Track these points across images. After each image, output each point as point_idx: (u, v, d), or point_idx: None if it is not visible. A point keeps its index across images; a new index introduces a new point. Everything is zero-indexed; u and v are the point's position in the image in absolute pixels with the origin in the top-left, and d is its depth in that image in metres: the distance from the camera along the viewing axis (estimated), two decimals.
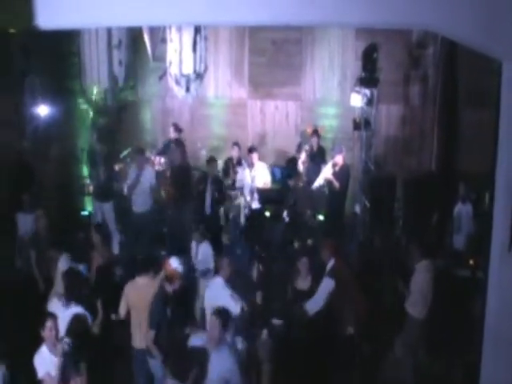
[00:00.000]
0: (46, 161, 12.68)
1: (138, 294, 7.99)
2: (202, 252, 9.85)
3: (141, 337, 7.87)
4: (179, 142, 12.83)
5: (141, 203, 11.89)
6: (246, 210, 12.43)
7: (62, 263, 9.02)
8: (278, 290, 8.98)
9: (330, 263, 8.75)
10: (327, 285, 8.55)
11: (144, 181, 11.75)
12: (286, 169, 12.77)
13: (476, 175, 10.41)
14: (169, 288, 7.74)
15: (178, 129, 12.99)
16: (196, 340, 7.20)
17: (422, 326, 8.47)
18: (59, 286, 8.59)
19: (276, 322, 8.50)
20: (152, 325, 7.59)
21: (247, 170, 12.40)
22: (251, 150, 12.49)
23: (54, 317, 7.23)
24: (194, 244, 10.06)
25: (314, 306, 8.53)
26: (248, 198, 12.40)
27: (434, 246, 9.93)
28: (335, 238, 9.88)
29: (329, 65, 13.49)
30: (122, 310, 8.13)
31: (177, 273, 7.87)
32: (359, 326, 8.54)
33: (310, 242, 11.43)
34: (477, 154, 10.89)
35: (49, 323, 7.09)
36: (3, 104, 12.18)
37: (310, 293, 8.66)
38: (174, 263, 7.93)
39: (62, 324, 7.32)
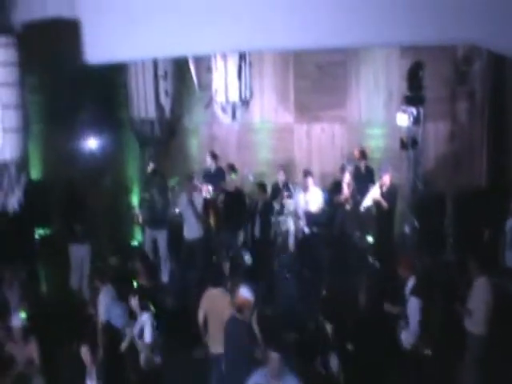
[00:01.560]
0: (97, 192, 12.89)
1: (213, 303, 8.44)
2: None
3: (216, 343, 8.20)
4: (219, 169, 12.96)
5: (191, 230, 12.00)
6: (299, 235, 12.42)
7: (104, 294, 9.14)
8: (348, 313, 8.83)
9: (411, 281, 8.53)
10: (415, 305, 8.29)
11: (194, 208, 11.87)
12: (331, 192, 12.72)
13: None
14: (240, 317, 7.77)
15: (214, 155, 13.13)
16: (257, 377, 7.11)
17: (484, 343, 8.27)
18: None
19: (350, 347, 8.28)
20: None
21: (302, 194, 12.39)
22: (306, 174, 12.46)
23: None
24: None
25: (411, 334, 8.31)
26: (301, 223, 12.39)
27: (490, 262, 9.73)
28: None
29: (374, 85, 13.42)
30: (200, 318, 8.56)
31: (248, 302, 7.87)
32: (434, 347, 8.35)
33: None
34: None
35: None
36: (56, 137, 12.49)
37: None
38: (246, 293, 7.93)
39: None
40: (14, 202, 6.96)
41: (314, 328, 8.72)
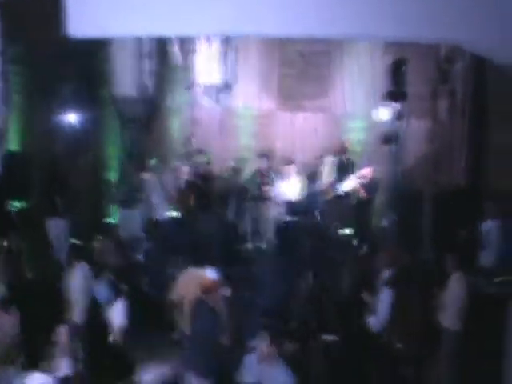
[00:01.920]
0: (77, 167, 12.84)
1: (188, 283, 8.31)
2: None
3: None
4: (204, 153, 13.01)
5: (161, 211, 12.03)
6: (278, 222, 12.48)
7: (79, 272, 9.15)
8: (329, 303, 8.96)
9: (387, 273, 8.65)
10: (387, 297, 8.41)
11: (164, 188, 11.88)
12: (312, 181, 12.76)
13: (505, 192, 10.37)
14: (207, 300, 7.75)
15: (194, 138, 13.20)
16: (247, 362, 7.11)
17: (458, 338, 8.43)
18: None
19: (328, 337, 8.40)
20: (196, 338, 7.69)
21: (283, 182, 12.43)
22: (288, 163, 12.51)
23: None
24: None
25: (377, 321, 8.41)
26: (281, 210, 12.43)
27: (465, 260, 9.85)
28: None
29: (358, 78, 13.47)
30: (175, 297, 8.46)
31: (214, 284, 7.86)
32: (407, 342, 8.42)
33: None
34: (506, 170, 10.88)
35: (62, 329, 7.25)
36: (37, 111, 12.39)
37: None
38: (212, 275, 7.92)
39: None
40: None
41: (294, 315, 8.77)
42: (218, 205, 12.26)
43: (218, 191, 12.56)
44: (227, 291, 8.45)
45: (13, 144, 12.71)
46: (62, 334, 7.29)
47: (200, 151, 12.83)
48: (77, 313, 9.00)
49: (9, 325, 8.26)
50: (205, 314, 7.70)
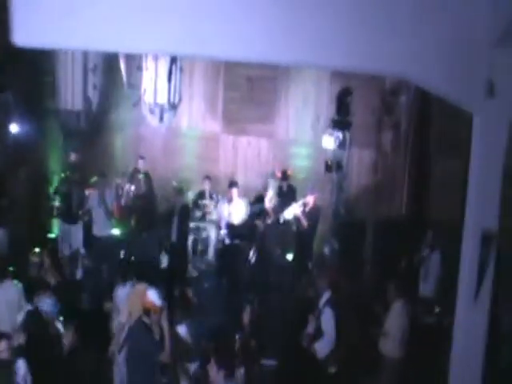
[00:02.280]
0: (17, 179, 12.58)
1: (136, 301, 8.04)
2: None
3: None
4: (146, 174, 12.84)
5: (101, 227, 11.87)
6: (219, 245, 12.51)
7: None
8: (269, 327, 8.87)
9: (327, 294, 8.59)
10: (329, 316, 8.33)
11: (105, 205, 11.74)
12: (254, 205, 12.74)
13: (445, 223, 10.51)
14: (147, 320, 7.60)
15: (142, 157, 13.03)
16: None
17: (397, 365, 8.51)
18: None
19: (268, 362, 8.29)
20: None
21: (225, 205, 12.36)
22: (232, 185, 12.49)
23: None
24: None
25: (325, 345, 8.30)
26: (222, 232, 12.43)
27: (406, 288, 9.95)
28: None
29: (303, 105, 13.51)
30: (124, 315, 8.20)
31: (155, 306, 7.70)
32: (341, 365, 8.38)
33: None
34: (447, 201, 11.06)
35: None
36: None
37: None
38: (153, 296, 7.77)
39: None
40: None
41: (235, 340, 8.66)
42: (159, 224, 12.13)
43: (160, 211, 12.45)
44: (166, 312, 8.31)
45: None
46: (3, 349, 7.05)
47: (142, 170, 12.69)
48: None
49: None
50: (142, 333, 7.55)
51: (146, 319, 7.60)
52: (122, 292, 8.95)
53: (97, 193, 11.93)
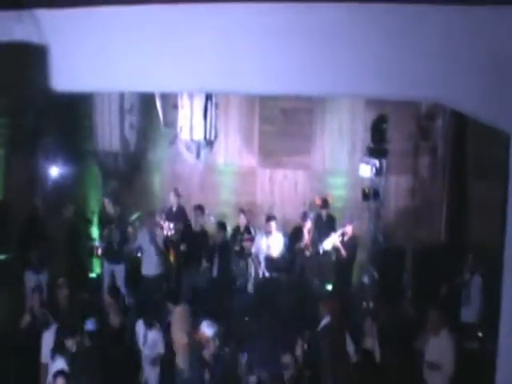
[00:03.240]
0: (58, 221, 12.77)
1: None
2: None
3: None
4: (180, 208, 12.92)
5: (150, 267, 11.90)
6: (259, 278, 12.43)
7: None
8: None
9: (325, 320, 8.93)
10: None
11: (156, 244, 11.80)
12: (292, 237, 12.74)
13: (485, 247, 10.41)
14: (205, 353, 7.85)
15: (177, 194, 13.11)
16: None
17: None
18: None
19: None
20: None
21: (264, 238, 12.38)
22: (269, 219, 12.47)
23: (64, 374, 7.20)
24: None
25: None
26: (261, 267, 12.39)
27: (450, 316, 9.83)
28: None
29: (338, 135, 13.55)
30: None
31: (207, 339, 7.81)
32: None
33: None
34: (486, 226, 10.95)
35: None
36: (18, 163, 12.36)
37: None
38: (206, 329, 7.86)
39: None
40: None
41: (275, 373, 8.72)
42: (200, 260, 12.16)
43: (200, 247, 12.48)
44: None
45: None
46: None
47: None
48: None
49: None
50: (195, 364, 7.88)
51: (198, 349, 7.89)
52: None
53: (146, 231, 11.99)
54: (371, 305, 11.79)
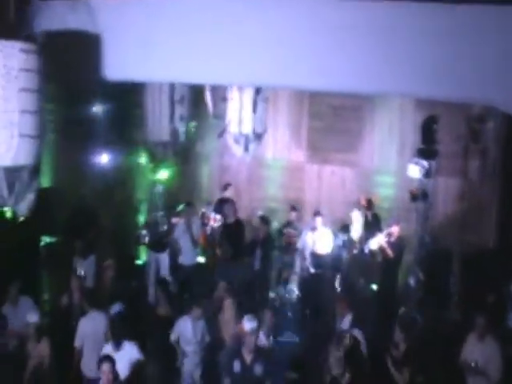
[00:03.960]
0: (106, 207, 12.97)
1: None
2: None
3: None
4: (230, 201, 13.00)
5: (187, 256, 12.05)
6: (304, 274, 12.42)
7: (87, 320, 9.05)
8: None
9: (348, 317, 9.18)
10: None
11: (191, 234, 11.92)
12: (339, 235, 12.69)
13: None
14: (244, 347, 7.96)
15: (226, 187, 13.20)
16: None
17: None
18: None
19: None
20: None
21: (310, 234, 12.37)
22: (316, 214, 12.48)
23: (110, 360, 7.31)
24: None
25: None
26: (307, 263, 12.38)
27: (497, 321, 9.69)
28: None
29: (387, 133, 13.46)
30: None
31: (246, 333, 7.92)
32: None
33: None
34: None
35: (105, 367, 7.18)
36: (69, 150, 12.60)
37: None
38: (246, 323, 7.95)
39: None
40: (23, 207, 6.98)
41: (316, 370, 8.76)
42: (244, 253, 12.20)
43: (245, 240, 12.54)
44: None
45: (45, 181, 12.93)
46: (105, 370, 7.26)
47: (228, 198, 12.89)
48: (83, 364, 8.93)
49: (41, 355, 8.49)
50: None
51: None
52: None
53: (183, 222, 12.15)
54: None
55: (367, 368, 8.53)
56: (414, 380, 8.44)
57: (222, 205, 13.04)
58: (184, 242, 12.19)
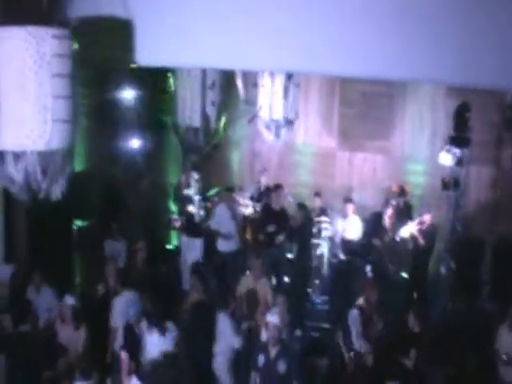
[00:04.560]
0: (136, 192, 13.06)
1: None
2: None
3: None
4: (281, 187, 12.78)
5: (226, 243, 12.03)
6: (334, 260, 12.44)
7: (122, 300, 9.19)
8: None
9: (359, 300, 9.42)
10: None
11: (236, 221, 11.92)
12: (371, 223, 12.66)
13: None
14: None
15: (263, 173, 13.22)
16: None
17: None
18: None
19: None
20: None
21: (340, 221, 12.35)
22: (347, 201, 12.47)
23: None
24: None
25: None
26: (337, 249, 12.37)
27: None
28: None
29: (419, 121, 13.35)
30: None
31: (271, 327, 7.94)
32: None
33: None
34: None
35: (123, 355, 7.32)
36: (101, 133, 12.73)
37: None
38: (270, 318, 8.01)
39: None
40: (57, 190, 7.07)
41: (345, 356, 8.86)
42: (278, 240, 12.22)
43: (279, 227, 12.53)
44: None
45: (78, 164, 13.09)
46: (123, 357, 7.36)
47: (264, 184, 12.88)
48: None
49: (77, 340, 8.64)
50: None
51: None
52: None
53: (224, 207, 12.10)
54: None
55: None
56: (445, 369, 8.44)
57: (271, 191, 12.92)
58: (226, 229, 12.11)
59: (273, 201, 12.35)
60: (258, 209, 12.93)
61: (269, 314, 8.02)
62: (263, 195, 13.06)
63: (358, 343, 9.05)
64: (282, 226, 12.04)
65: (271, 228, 12.00)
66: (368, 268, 12.26)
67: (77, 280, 12.49)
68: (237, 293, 9.75)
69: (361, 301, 9.32)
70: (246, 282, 9.94)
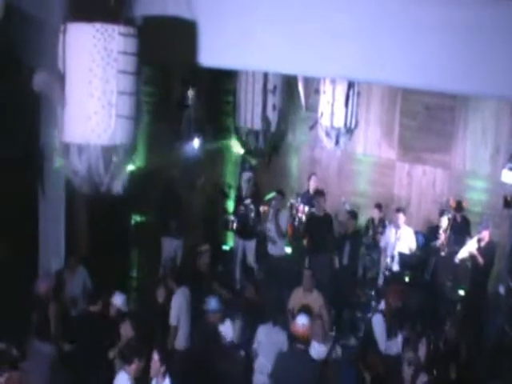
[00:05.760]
0: (194, 191, 13.23)
1: None
2: None
3: None
4: (322, 193, 12.96)
5: (276, 246, 12.13)
6: (386, 272, 12.33)
7: (178, 297, 9.34)
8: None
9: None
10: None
11: (277, 225, 12.00)
12: (427, 236, 12.52)
13: None
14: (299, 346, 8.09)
15: (310, 177, 13.34)
16: None
17: None
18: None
19: None
20: None
21: (393, 230, 12.28)
22: (398, 210, 12.38)
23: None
24: None
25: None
26: (388, 260, 12.28)
27: None
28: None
29: (481, 137, 13.11)
30: None
31: (303, 331, 8.01)
32: None
33: None
34: None
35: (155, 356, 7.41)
36: (161, 132, 12.95)
37: None
38: (300, 321, 8.03)
39: None
40: (118, 185, 7.22)
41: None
42: (331, 247, 12.21)
43: (332, 234, 12.53)
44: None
45: (138, 161, 13.36)
46: (155, 359, 7.46)
47: (314, 190, 12.91)
48: (179, 338, 9.24)
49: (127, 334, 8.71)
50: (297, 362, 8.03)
51: (298, 345, 8.10)
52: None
53: (273, 212, 12.24)
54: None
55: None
56: None
57: (312, 196, 13.08)
58: (271, 232, 12.32)
59: (315, 207, 12.43)
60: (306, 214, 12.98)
61: (298, 318, 8.11)
62: (311, 200, 13.07)
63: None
64: (324, 233, 12.09)
65: (314, 234, 12.10)
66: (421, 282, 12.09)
67: (133, 274, 12.73)
68: (289, 306, 9.78)
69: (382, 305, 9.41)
70: (298, 295, 9.93)
